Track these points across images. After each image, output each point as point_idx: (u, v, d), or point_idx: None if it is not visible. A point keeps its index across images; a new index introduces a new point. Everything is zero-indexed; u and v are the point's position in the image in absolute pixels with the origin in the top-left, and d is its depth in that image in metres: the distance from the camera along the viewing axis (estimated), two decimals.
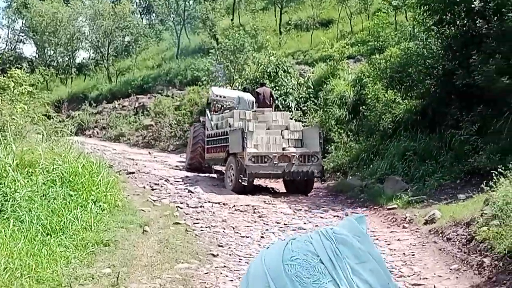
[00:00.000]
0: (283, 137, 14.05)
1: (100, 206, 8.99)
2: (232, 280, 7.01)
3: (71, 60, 40.70)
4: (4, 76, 14.40)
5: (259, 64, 20.99)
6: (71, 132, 18.46)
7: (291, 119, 15.39)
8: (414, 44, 15.35)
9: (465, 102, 12.69)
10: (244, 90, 17.05)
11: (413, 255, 8.43)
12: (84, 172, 9.60)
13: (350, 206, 12.50)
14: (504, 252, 6.92)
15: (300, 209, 11.92)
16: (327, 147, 16.06)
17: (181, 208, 11.04)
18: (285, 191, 14.46)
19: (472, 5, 11.92)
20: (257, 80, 19.48)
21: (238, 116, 14.59)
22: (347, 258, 1.10)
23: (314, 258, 1.09)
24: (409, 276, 7.47)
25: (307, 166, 13.62)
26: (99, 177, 9.79)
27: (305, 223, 10.61)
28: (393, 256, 8.42)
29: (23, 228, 7.19)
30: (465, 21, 12.75)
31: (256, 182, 14.27)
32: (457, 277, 7.27)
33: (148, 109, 27.23)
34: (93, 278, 6.41)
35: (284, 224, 10.41)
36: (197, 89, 25.58)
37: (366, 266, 1.10)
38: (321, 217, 11.28)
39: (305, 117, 18.54)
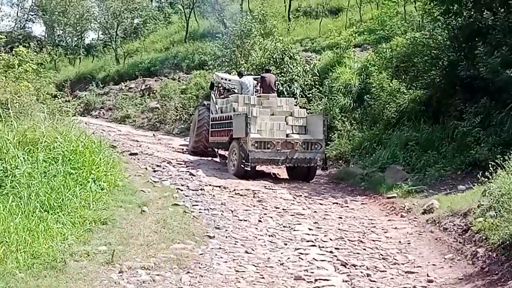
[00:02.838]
0: (287, 124, 14.01)
1: (100, 185, 9.05)
2: (226, 262, 7.07)
3: (80, 41, 40.79)
4: (9, 54, 14.46)
5: (266, 50, 20.94)
6: (77, 112, 18.55)
7: (295, 105, 15.34)
8: (421, 34, 15.27)
9: (469, 93, 12.65)
10: (239, 74, 16.96)
11: (409, 243, 8.48)
12: (85, 151, 9.66)
13: (350, 194, 12.54)
14: (498, 243, 6.94)
15: (300, 195, 11.96)
16: (330, 135, 16.04)
17: (181, 190, 11.10)
18: (287, 177, 14.49)
19: None
20: (263, 65, 19.45)
21: (243, 100, 14.57)
22: None
23: None
24: (403, 263, 7.52)
25: (310, 154, 13.60)
26: (100, 157, 9.85)
27: (303, 209, 10.66)
28: (388, 244, 8.46)
29: (21, 204, 7.26)
30: (472, 12, 12.69)
31: (258, 167, 14.28)
32: (450, 267, 7.32)
33: (155, 91, 27.24)
34: (88, 255, 6.48)
35: (283, 209, 10.45)
36: (204, 73, 25.57)
37: None
38: (320, 204, 11.32)
39: (310, 104, 18.53)
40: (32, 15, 44.44)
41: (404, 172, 12.62)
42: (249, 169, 13.18)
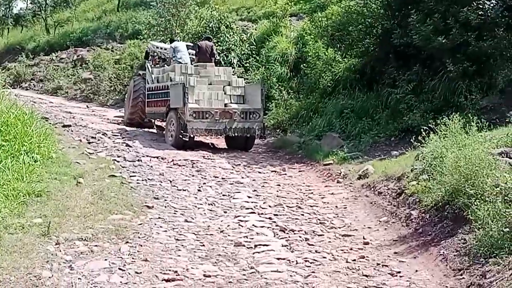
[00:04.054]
0: (225, 93, 13.87)
1: (33, 157, 8.77)
2: (166, 231, 7.03)
3: (8, 10, 39.13)
4: None
5: (201, 19, 20.68)
6: (7, 84, 17.88)
7: (233, 75, 15.23)
8: (355, 3, 15.41)
9: (402, 61, 12.91)
10: (171, 41, 16.66)
11: (345, 208, 8.67)
12: (16, 123, 9.33)
13: (288, 162, 12.68)
14: (431, 205, 7.19)
15: (239, 164, 11.99)
16: (267, 104, 16.07)
17: (117, 162, 10.90)
18: (225, 147, 14.48)
19: None
20: (199, 34, 19.22)
21: (180, 70, 14.33)
22: None
23: None
24: (339, 227, 7.68)
25: (249, 123, 13.59)
26: (32, 128, 9.54)
27: (242, 178, 10.71)
28: (325, 209, 8.63)
29: None
30: None
31: (197, 138, 14.16)
32: (385, 229, 7.53)
33: (87, 62, 26.52)
34: (23, 228, 6.30)
35: (222, 178, 10.47)
36: (138, 43, 25.06)
37: None
38: (259, 172, 11.39)
39: (247, 74, 18.49)
40: None
41: (340, 139, 12.85)
42: (187, 139, 13.07)
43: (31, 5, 39.68)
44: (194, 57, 15.48)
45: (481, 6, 11.20)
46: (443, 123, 7.86)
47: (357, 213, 8.36)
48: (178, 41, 16.50)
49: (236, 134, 13.58)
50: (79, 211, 7.20)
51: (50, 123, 12.93)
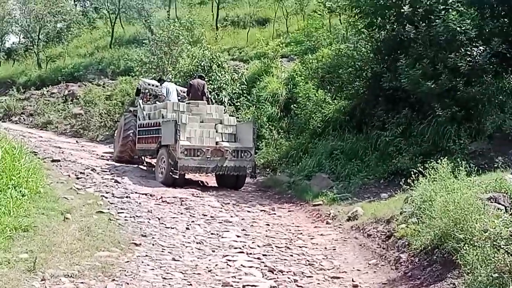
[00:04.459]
0: (216, 131, 13.93)
1: (20, 191, 8.71)
2: (153, 269, 6.96)
3: (0, 44, 39.27)
4: None
5: (193, 58, 20.89)
6: None
7: (225, 113, 15.31)
8: (345, 46, 15.66)
9: (392, 104, 13.06)
10: (159, 80, 16.85)
11: (334, 249, 8.63)
12: (5, 157, 9.29)
13: (278, 201, 12.65)
14: (420, 248, 7.17)
15: (228, 203, 11.95)
16: (258, 143, 16.12)
17: (106, 198, 10.86)
18: (215, 184, 14.43)
19: (402, 10, 12.31)
20: (191, 73, 19.37)
21: (172, 107, 14.38)
22: None
23: None
24: (329, 269, 7.63)
25: (240, 162, 13.59)
26: (21, 163, 9.50)
27: (231, 217, 10.66)
28: (315, 250, 8.58)
29: None
30: (395, 26, 13.12)
31: (187, 175, 14.13)
32: (374, 272, 7.49)
33: (78, 97, 26.62)
34: (9, 263, 6.22)
35: (211, 217, 10.41)
36: (130, 80, 25.22)
37: None
38: (248, 211, 11.35)
39: (238, 113, 18.59)
40: None
41: (330, 180, 12.86)
42: (177, 177, 13.04)
43: (23, 40, 39.90)
44: (185, 94, 15.59)
45: (469, 53, 11.41)
46: (432, 167, 7.90)
47: (346, 255, 8.32)
48: (167, 81, 16.66)
49: (227, 172, 13.57)
50: (66, 247, 7.11)
51: (39, 158, 12.88)
